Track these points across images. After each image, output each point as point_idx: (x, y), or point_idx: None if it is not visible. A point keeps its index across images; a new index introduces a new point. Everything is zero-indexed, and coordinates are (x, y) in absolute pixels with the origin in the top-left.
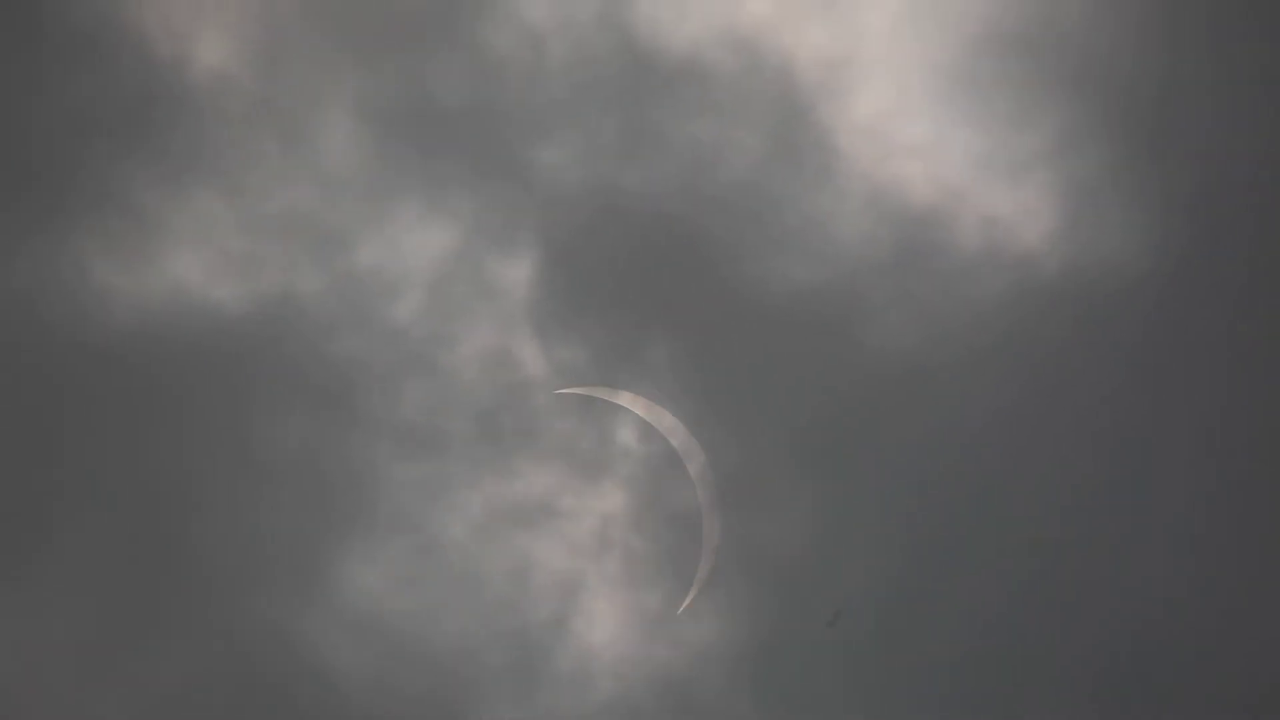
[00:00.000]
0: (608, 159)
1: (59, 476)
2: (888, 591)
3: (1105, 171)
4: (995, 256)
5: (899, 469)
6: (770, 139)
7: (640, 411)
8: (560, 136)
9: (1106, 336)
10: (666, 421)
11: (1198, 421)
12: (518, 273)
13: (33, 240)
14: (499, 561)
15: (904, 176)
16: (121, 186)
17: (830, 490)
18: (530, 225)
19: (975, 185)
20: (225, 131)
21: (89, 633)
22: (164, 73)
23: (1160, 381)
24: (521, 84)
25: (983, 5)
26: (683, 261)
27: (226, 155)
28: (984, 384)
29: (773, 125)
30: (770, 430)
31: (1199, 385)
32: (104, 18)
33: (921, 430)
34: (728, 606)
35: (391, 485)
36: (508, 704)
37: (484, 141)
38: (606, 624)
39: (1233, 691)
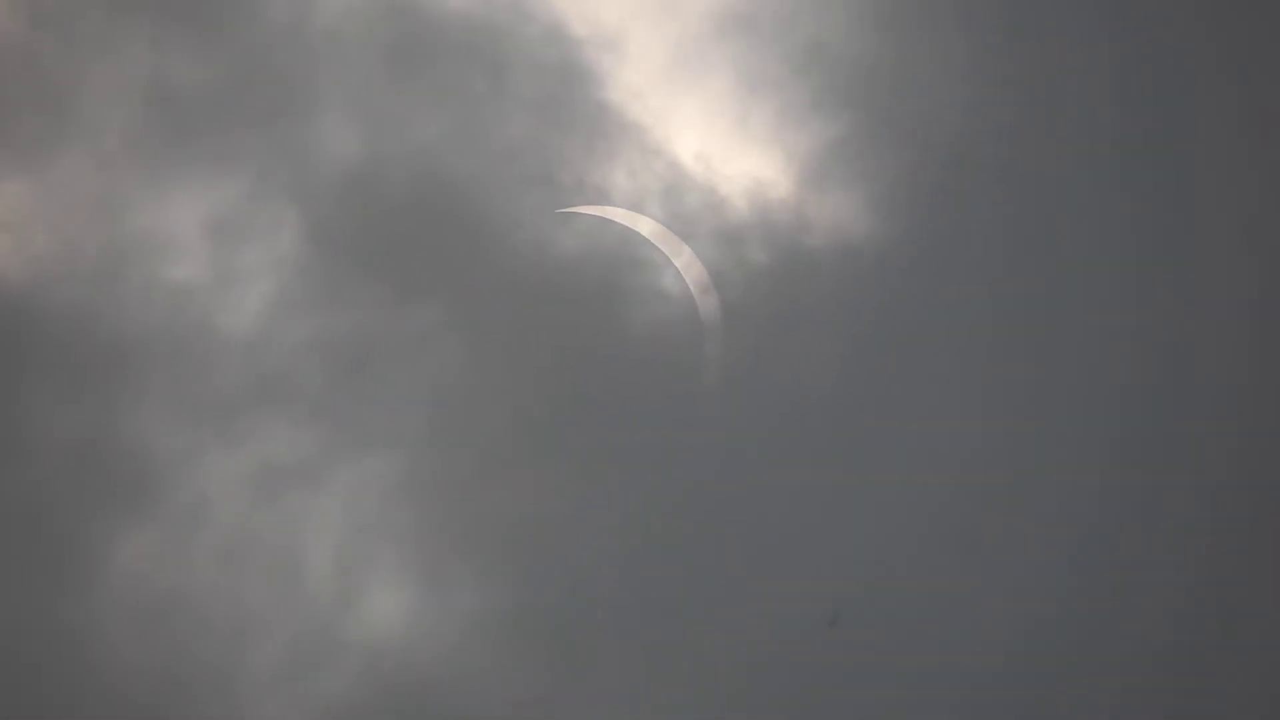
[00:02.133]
0: (377, 123)
1: None
2: (647, 558)
3: (832, 147)
4: (750, 225)
5: (660, 438)
6: (543, 106)
7: (658, 241)
8: (330, 100)
9: (843, 304)
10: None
11: (930, 390)
12: (287, 239)
13: None
14: (275, 532)
15: (664, 147)
16: None
17: (593, 459)
18: (299, 191)
19: (728, 156)
20: None
21: None
22: None
23: (896, 346)
24: (287, 47)
25: None
26: (452, 227)
27: None
28: (737, 354)
29: (546, 93)
30: (536, 402)
31: (931, 353)
32: None
33: (681, 399)
34: (494, 576)
35: (164, 457)
36: (287, 681)
37: (254, 107)
38: (382, 594)
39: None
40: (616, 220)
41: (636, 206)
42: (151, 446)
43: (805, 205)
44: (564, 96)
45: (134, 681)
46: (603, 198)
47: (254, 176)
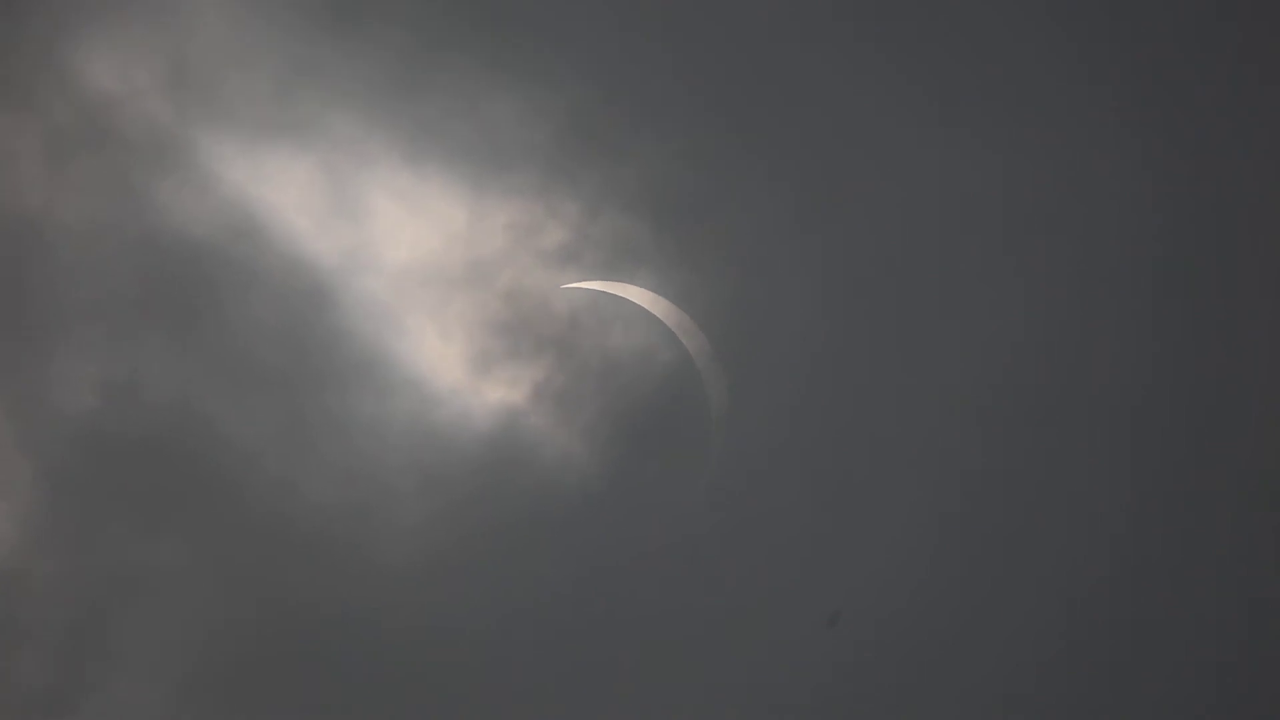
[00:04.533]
0: (119, 359)
1: None
2: None
3: (537, 387)
4: (500, 450)
5: (405, 670)
6: (287, 335)
7: (653, 309)
8: (71, 338)
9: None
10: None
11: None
12: (28, 480)
13: None
14: None
15: (413, 374)
16: None
17: (343, 691)
18: (43, 431)
19: (472, 386)
20: None
21: None
22: None
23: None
24: (26, 283)
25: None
26: (198, 464)
27: None
28: (489, 580)
29: (291, 322)
30: (284, 637)
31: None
32: None
33: (435, 632)
34: None
35: None
36: None
37: None
38: None
39: None
40: (619, 294)
41: (381, 436)
42: None
43: (536, 435)
44: (310, 324)
45: None
46: (355, 428)
47: None
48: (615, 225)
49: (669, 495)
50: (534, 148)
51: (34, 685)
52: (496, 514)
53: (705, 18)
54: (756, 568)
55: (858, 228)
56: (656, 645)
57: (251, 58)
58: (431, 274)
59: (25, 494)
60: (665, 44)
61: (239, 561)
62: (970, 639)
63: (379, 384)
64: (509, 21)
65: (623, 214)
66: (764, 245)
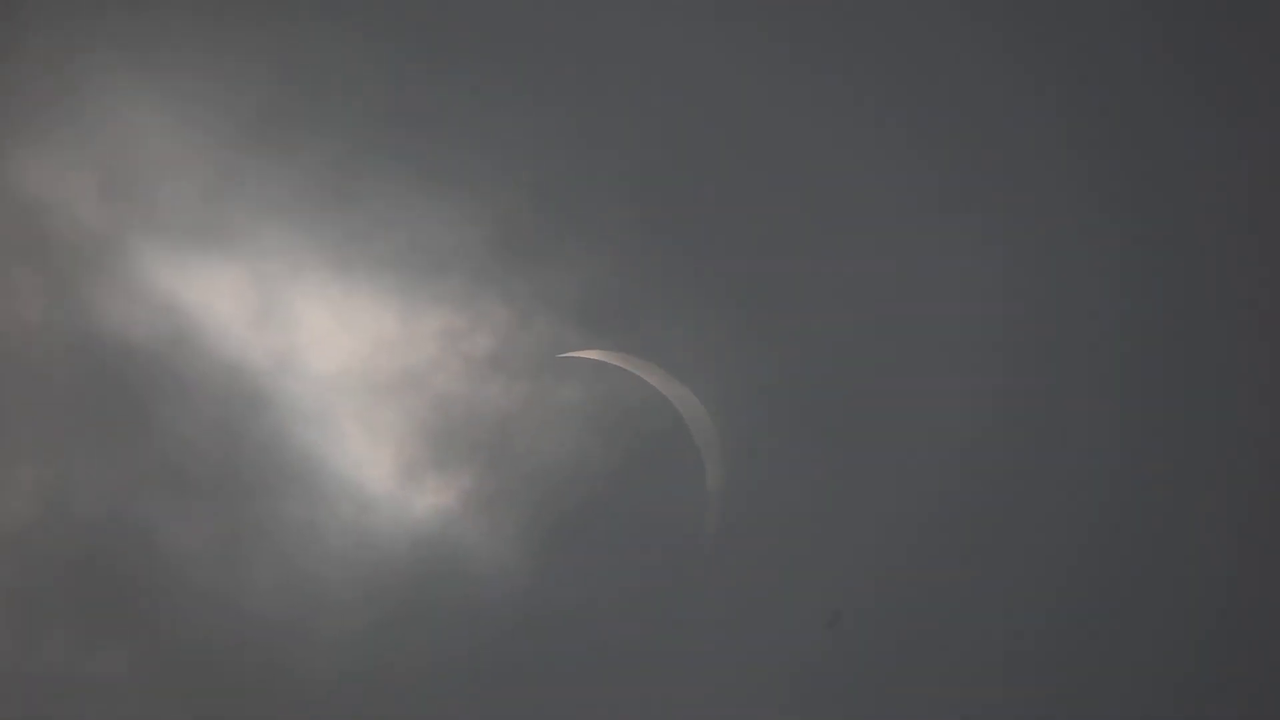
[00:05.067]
0: (56, 466)
1: None
2: None
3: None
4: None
5: None
6: (223, 439)
7: (653, 381)
8: (4, 441)
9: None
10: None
11: None
12: None
13: None
14: None
15: (346, 475)
16: None
17: None
18: None
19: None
20: None
21: None
22: None
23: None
24: None
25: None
26: (135, 575)
27: None
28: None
29: (227, 425)
30: None
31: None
32: None
33: None
34: None
35: None
36: None
37: None
38: None
39: None
40: (618, 364)
41: (315, 542)
42: None
43: (470, 538)
44: (242, 431)
45: None
46: (288, 533)
47: None
48: (546, 332)
49: (604, 596)
50: (464, 255)
51: None
52: (431, 623)
53: (633, 122)
54: (694, 674)
55: (789, 335)
56: None
57: (182, 166)
58: (362, 381)
59: None
60: (597, 147)
61: (173, 674)
62: (967, 638)
63: (312, 490)
64: (436, 130)
65: (554, 321)
66: (697, 353)
